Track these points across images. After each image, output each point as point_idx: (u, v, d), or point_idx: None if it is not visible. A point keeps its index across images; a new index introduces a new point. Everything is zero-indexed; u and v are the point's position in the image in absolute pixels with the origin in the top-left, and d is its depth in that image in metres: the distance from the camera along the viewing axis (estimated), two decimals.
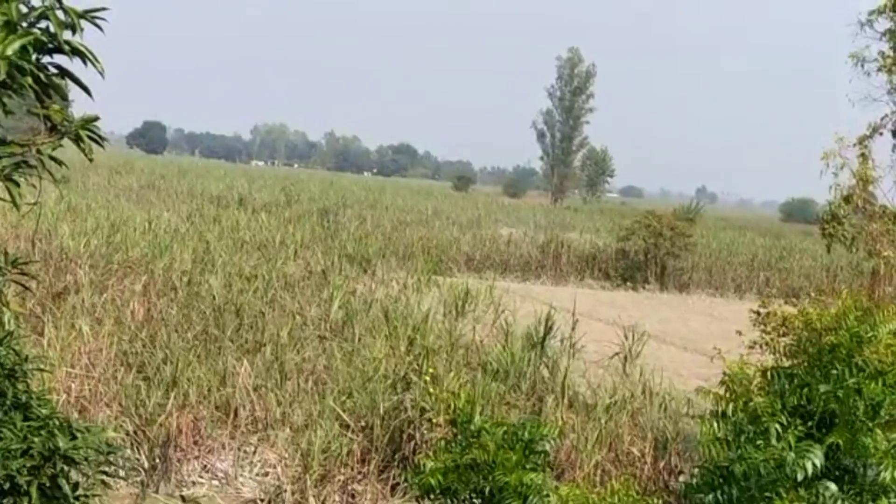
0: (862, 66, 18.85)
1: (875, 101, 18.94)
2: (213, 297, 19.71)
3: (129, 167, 77.89)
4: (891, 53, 18.62)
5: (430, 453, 8.52)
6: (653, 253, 44.82)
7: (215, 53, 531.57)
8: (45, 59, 4.87)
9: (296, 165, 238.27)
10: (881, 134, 18.74)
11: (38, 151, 4.97)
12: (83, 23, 4.84)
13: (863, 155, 18.25)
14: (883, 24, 18.53)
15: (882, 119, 18.77)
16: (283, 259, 27.92)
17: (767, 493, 7.42)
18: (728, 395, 8.42)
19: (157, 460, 13.18)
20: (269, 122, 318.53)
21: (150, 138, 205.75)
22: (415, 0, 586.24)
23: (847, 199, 18.25)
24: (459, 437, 8.18)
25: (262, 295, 21.01)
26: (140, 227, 30.30)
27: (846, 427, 7.67)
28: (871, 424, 7.66)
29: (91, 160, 5.26)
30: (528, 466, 7.78)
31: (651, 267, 45.02)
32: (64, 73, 4.93)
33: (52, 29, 4.76)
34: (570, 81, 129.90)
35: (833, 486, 7.56)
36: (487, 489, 7.72)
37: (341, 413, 14.34)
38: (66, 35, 4.77)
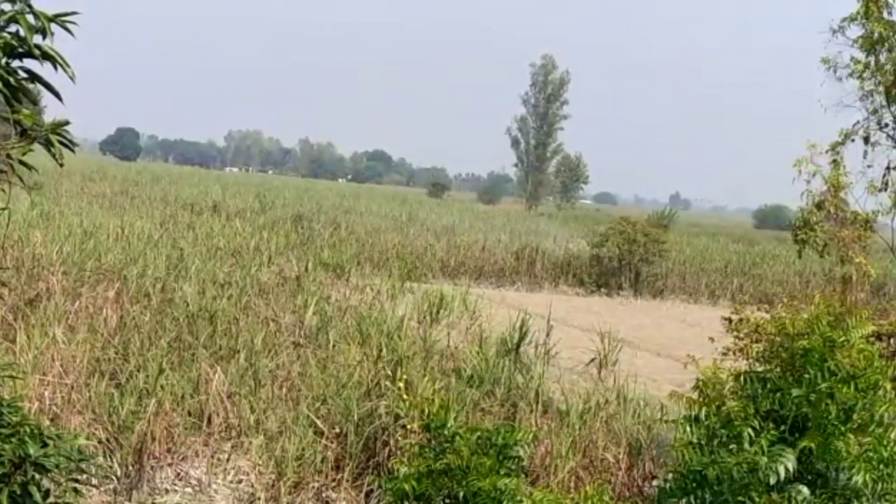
0: (834, 71, 18.98)
1: (847, 107, 19.06)
2: (187, 304, 19.59)
3: (103, 174, 77.42)
4: (862, 59, 18.76)
5: (404, 459, 8.52)
6: (627, 259, 44.94)
7: (189, 60, 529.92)
8: (15, 64, 4.84)
9: (270, 172, 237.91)
10: (853, 140, 18.86)
11: (8, 156, 4.94)
12: (54, 28, 4.82)
13: (835, 161, 18.37)
14: (855, 30, 18.66)
15: (854, 125, 18.90)
16: (258, 265, 27.79)
17: (740, 498, 7.45)
18: (701, 399, 8.46)
19: (130, 468, 13.09)
20: (243, 128, 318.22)
21: (123, 145, 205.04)
22: (389, 8, 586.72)
23: (819, 206, 18.36)
24: (433, 442, 8.18)
25: (236, 301, 20.90)
26: (113, 233, 30.09)
27: (819, 431, 7.72)
28: (843, 428, 7.71)
29: (62, 165, 5.22)
30: (501, 471, 7.79)
31: (625, 273, 45.14)
32: (34, 77, 4.90)
33: (22, 33, 4.73)
34: (544, 88, 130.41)
35: (805, 490, 7.60)
36: (461, 494, 7.72)
37: (315, 420, 14.29)
38: (37, 39, 4.75)
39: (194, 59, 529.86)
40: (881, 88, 18.66)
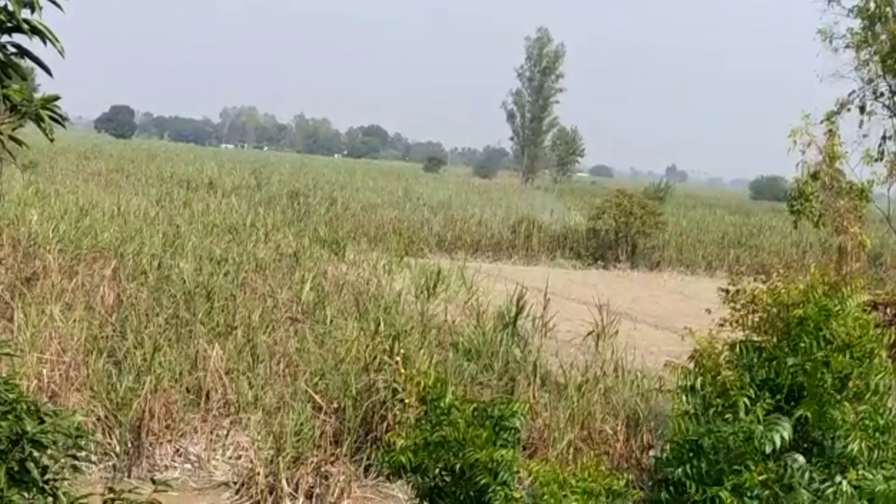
0: (830, 41, 18.96)
1: (843, 77, 19.06)
2: (184, 281, 19.60)
3: (98, 151, 77.33)
4: (859, 31, 18.73)
5: (401, 432, 8.52)
6: (623, 232, 44.93)
7: (184, 36, 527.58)
8: (4, 39, 4.81)
9: (266, 148, 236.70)
10: (849, 110, 18.87)
11: None
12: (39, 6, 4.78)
13: (830, 131, 18.34)
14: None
15: (849, 95, 18.90)
16: (254, 242, 27.81)
17: (736, 466, 7.47)
18: (697, 369, 8.46)
19: (129, 444, 13.13)
20: (238, 104, 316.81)
21: (118, 122, 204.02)
22: None
23: (814, 176, 18.33)
24: (430, 415, 8.18)
25: (233, 278, 20.91)
26: (109, 211, 30.09)
27: (814, 400, 7.74)
28: (838, 397, 7.73)
29: (52, 140, 5.20)
30: (498, 443, 7.80)
31: (622, 246, 45.15)
32: (23, 52, 4.87)
33: (10, 7, 4.70)
34: (539, 61, 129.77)
35: (801, 459, 7.63)
36: (458, 466, 7.72)
37: (314, 395, 14.33)
38: (25, 13, 4.72)
39: (188, 35, 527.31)
40: (877, 58, 18.64)
